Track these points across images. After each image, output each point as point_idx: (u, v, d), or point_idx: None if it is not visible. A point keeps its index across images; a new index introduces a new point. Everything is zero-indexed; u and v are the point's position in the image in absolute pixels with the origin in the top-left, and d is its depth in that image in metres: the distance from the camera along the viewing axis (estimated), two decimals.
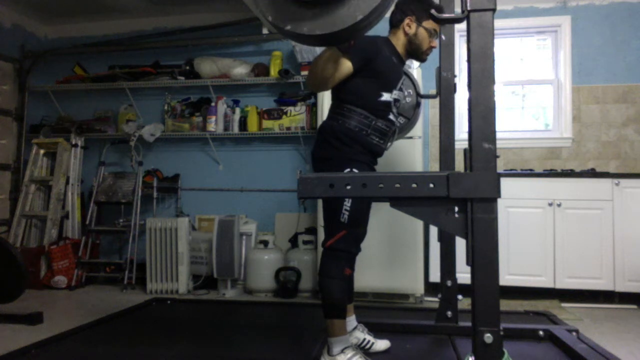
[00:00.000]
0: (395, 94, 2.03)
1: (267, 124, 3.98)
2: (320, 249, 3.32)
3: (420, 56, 2.10)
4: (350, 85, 1.93)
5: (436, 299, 2.58)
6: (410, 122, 2.37)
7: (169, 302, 3.31)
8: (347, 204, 1.89)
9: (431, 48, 2.08)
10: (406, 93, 2.30)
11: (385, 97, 1.98)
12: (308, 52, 3.78)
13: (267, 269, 3.52)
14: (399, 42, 2.06)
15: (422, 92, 2.46)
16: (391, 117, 2.04)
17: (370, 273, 3.19)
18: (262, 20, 1.35)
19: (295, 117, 3.91)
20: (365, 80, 1.93)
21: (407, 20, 2.03)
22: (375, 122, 1.96)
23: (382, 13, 1.36)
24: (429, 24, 2.03)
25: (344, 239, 1.90)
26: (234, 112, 4.06)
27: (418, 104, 2.38)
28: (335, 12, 1.29)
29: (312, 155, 2.03)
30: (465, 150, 1.67)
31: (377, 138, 1.99)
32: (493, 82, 1.32)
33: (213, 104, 4.10)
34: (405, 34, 2.04)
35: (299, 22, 1.33)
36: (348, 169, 1.89)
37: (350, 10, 1.28)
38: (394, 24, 2.07)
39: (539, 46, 4.00)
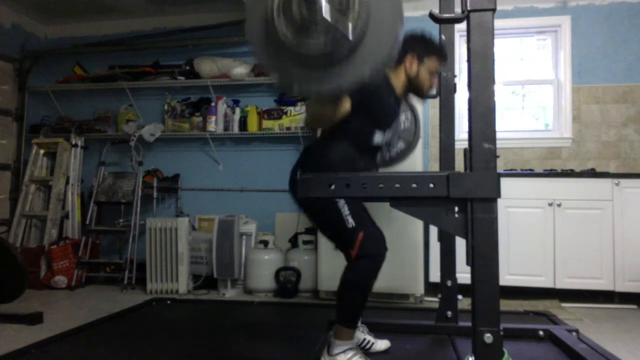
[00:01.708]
0: (388, 136, 2.01)
1: (267, 124, 3.98)
2: (320, 250, 3.33)
3: (421, 95, 2.07)
4: (344, 122, 1.85)
5: (436, 299, 2.58)
6: (410, 147, 2.36)
7: (169, 302, 3.31)
8: (345, 209, 1.83)
9: (432, 87, 2.05)
10: (404, 117, 2.29)
11: (378, 137, 1.96)
12: None
13: (267, 269, 3.52)
14: (399, 80, 2.02)
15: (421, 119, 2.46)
16: (377, 159, 2.03)
17: None
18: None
19: (295, 117, 3.92)
20: (360, 118, 1.87)
21: (408, 58, 1.99)
22: (359, 160, 1.94)
23: (389, 64, 1.35)
24: (431, 62, 2.00)
25: (366, 241, 1.81)
26: (234, 112, 4.06)
27: (417, 128, 2.36)
28: (341, 71, 1.27)
29: (293, 175, 1.97)
30: (465, 150, 1.67)
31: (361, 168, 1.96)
32: (493, 82, 1.32)
33: (213, 104, 4.10)
34: (406, 72, 2.00)
35: (305, 83, 1.33)
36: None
37: (357, 67, 1.26)
38: (395, 59, 2.02)
39: (539, 46, 4.01)
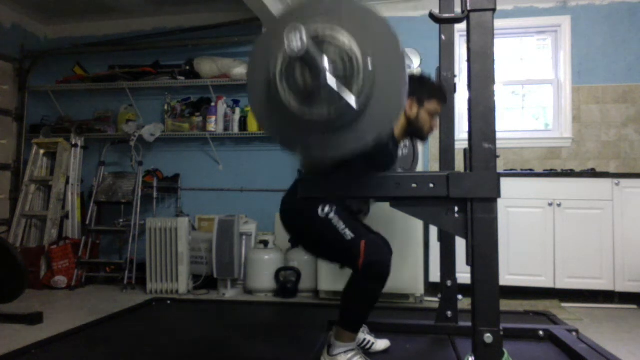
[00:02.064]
0: None
1: None
2: None
3: (422, 137, 2.06)
4: (340, 164, 1.79)
5: (436, 299, 2.58)
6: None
7: (169, 302, 3.31)
8: (341, 224, 1.80)
9: (432, 129, 2.03)
10: (402, 145, 2.27)
11: None
12: None
13: (267, 269, 3.52)
14: (399, 123, 1.99)
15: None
16: (370, 203, 2.02)
17: None
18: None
19: None
20: (357, 163, 1.78)
21: (408, 101, 1.96)
22: (351, 204, 1.91)
23: (391, 130, 1.33)
24: (431, 105, 1.98)
25: (370, 247, 1.77)
26: (234, 112, 4.06)
27: (415, 155, 2.36)
28: (344, 137, 1.26)
29: (283, 210, 1.95)
30: (465, 150, 1.67)
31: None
32: (493, 82, 1.32)
33: (213, 104, 4.10)
34: (406, 115, 1.98)
35: (308, 148, 1.33)
36: (322, 206, 1.80)
37: (359, 134, 1.26)
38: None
39: (539, 46, 4.00)
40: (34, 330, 2.63)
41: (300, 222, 1.90)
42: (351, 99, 1.18)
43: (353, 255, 1.77)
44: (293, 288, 3.46)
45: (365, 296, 1.82)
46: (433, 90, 2.01)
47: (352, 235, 1.79)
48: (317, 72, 1.16)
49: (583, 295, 3.27)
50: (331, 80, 1.15)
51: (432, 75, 2.21)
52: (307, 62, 1.14)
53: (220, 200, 4.19)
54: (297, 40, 1.06)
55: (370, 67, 1.19)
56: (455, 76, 2.40)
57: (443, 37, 2.32)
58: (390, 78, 1.23)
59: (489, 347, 1.26)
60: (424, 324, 2.46)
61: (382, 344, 2.19)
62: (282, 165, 4.11)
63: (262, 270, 3.53)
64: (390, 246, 1.92)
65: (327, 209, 1.82)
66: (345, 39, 1.20)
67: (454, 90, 2.41)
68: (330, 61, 1.19)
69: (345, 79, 1.20)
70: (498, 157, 1.42)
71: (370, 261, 1.75)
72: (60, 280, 3.82)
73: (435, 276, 3.28)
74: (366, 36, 1.22)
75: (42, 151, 4.29)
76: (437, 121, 2.08)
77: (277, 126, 1.32)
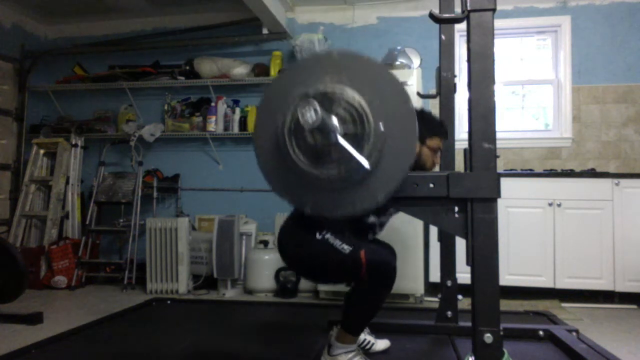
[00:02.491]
0: (384, 219, 1.99)
1: None
2: None
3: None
4: None
5: (436, 299, 2.58)
6: None
7: (169, 302, 3.31)
8: (337, 241, 1.78)
9: (434, 165, 2.03)
10: None
11: (372, 218, 1.95)
12: (309, 53, 3.78)
13: (267, 269, 3.52)
14: None
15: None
16: (369, 236, 2.03)
17: None
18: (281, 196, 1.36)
19: None
20: None
21: None
22: (350, 236, 1.89)
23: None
24: (432, 142, 1.98)
25: (370, 254, 1.74)
26: (234, 112, 4.06)
27: None
28: (354, 194, 1.26)
29: (282, 251, 1.94)
30: (465, 150, 1.67)
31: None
32: (493, 82, 1.32)
33: (213, 104, 4.10)
34: None
35: (317, 206, 1.32)
36: (319, 231, 1.80)
37: (370, 192, 1.25)
38: None
39: (539, 46, 4.00)
40: (34, 330, 2.62)
41: (299, 245, 1.88)
42: (363, 159, 1.18)
43: (355, 265, 1.74)
44: (293, 288, 3.46)
45: (370, 301, 1.81)
46: (434, 126, 2.00)
47: (350, 248, 1.77)
48: (328, 134, 1.16)
49: (583, 295, 3.27)
50: (342, 141, 1.15)
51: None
52: (320, 130, 1.15)
53: (220, 200, 4.19)
54: (311, 115, 1.07)
55: (382, 129, 1.19)
56: (455, 76, 2.40)
57: (443, 37, 2.32)
58: (401, 136, 1.24)
59: (489, 347, 1.26)
60: (424, 324, 2.47)
61: (382, 344, 2.19)
62: None
63: (262, 270, 3.53)
64: (394, 251, 1.92)
65: (323, 231, 1.81)
66: (356, 98, 1.20)
67: (454, 90, 2.40)
68: (341, 121, 1.18)
69: (356, 138, 1.20)
70: (498, 157, 1.42)
71: (373, 266, 1.73)
72: (60, 280, 3.82)
73: (435, 276, 3.28)
74: (376, 94, 1.21)
75: (42, 151, 4.29)
76: (439, 157, 2.08)
77: (285, 183, 1.32)
